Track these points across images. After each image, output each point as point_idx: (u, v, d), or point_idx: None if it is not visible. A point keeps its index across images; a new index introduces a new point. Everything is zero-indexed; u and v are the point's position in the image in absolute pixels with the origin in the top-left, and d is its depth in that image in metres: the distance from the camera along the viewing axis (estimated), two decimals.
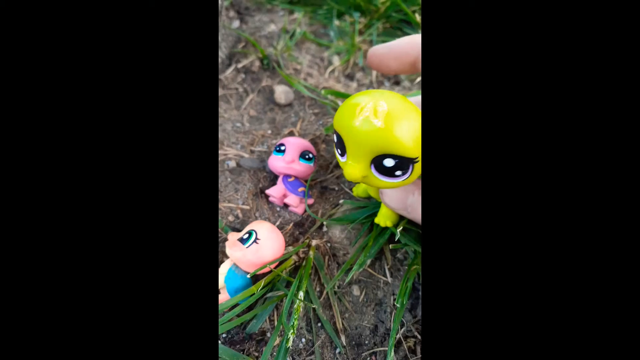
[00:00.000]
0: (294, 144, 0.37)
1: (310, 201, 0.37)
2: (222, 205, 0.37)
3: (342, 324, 0.33)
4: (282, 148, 0.37)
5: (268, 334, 0.32)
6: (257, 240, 0.31)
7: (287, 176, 0.37)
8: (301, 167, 0.36)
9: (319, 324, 0.33)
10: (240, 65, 0.47)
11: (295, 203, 0.36)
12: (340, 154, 0.25)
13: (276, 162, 0.37)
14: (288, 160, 0.36)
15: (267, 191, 0.37)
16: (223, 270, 0.32)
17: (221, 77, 0.46)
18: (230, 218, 0.37)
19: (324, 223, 0.37)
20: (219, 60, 0.45)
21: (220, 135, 0.42)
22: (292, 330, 0.28)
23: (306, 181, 0.38)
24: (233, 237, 0.32)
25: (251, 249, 0.31)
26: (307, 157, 0.37)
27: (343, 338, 0.32)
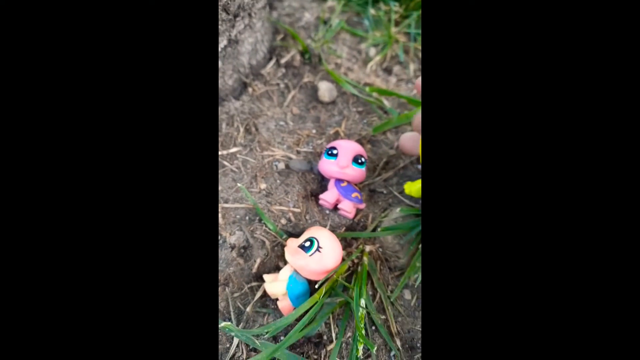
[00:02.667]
0: (347, 148, 0.36)
1: (363, 206, 0.37)
2: (274, 208, 0.37)
3: (396, 328, 0.34)
4: (334, 152, 0.36)
5: (324, 337, 0.33)
6: (320, 249, 0.31)
7: (339, 180, 0.37)
8: (354, 172, 0.36)
9: (373, 328, 0.34)
10: (283, 61, 0.46)
11: (349, 209, 0.36)
12: None
13: (329, 167, 0.36)
14: (342, 165, 0.35)
15: (321, 196, 0.37)
16: (284, 277, 0.32)
17: (263, 72, 0.44)
18: (283, 221, 0.37)
19: (376, 227, 0.37)
20: (261, 55, 0.44)
21: (265, 134, 0.41)
22: (361, 340, 0.29)
23: (357, 185, 0.38)
24: (292, 243, 0.33)
25: (314, 258, 0.31)
26: (359, 161, 0.36)
27: (398, 341, 0.33)
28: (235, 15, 0.35)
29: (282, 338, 0.33)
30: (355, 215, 0.38)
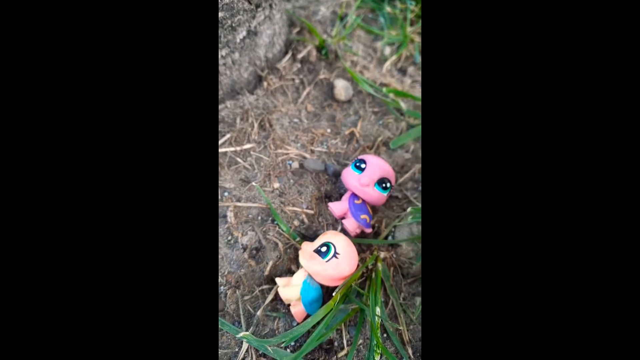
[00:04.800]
0: (375, 166, 0.34)
1: (368, 231, 0.36)
2: (287, 209, 0.36)
3: (408, 336, 0.33)
4: (362, 166, 0.34)
5: (335, 343, 0.33)
6: (337, 255, 0.30)
7: (354, 196, 0.35)
8: (374, 194, 0.34)
9: (385, 335, 0.33)
10: (299, 55, 0.44)
11: (352, 228, 0.35)
12: None
13: (350, 180, 0.34)
14: (364, 183, 0.33)
15: (330, 204, 0.35)
16: (297, 281, 0.31)
17: (278, 66, 0.43)
18: (296, 222, 0.36)
19: (391, 235, 0.36)
20: (278, 48, 0.42)
21: (280, 131, 0.40)
22: (377, 350, 0.29)
23: (372, 208, 0.37)
24: (307, 247, 0.32)
25: (331, 264, 0.30)
26: (383, 185, 0.34)
27: (409, 349, 0.33)
28: (257, 6, 0.33)
29: (291, 343, 0.32)
30: (357, 234, 0.36)
